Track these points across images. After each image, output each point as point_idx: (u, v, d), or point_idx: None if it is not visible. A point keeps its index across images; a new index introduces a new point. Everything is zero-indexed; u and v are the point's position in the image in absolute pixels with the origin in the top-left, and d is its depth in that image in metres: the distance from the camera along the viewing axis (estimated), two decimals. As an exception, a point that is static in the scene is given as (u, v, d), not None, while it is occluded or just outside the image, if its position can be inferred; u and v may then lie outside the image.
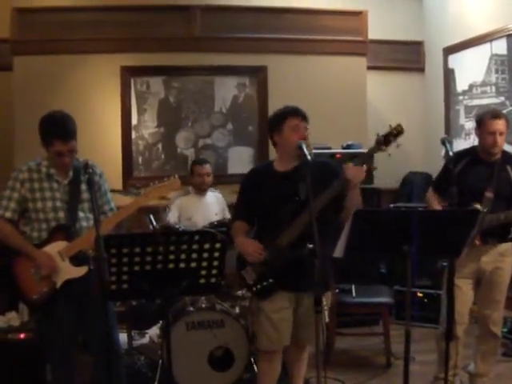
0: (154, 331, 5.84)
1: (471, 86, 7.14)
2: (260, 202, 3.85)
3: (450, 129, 7.50)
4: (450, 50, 7.51)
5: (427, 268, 6.16)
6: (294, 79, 7.25)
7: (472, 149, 4.51)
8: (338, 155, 6.71)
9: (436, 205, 4.44)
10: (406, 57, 8.14)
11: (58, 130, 3.61)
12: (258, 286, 3.83)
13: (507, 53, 6.45)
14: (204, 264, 3.11)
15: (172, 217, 5.73)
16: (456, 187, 3.75)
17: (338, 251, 3.22)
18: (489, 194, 4.16)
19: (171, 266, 3.03)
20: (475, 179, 4.24)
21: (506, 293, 4.41)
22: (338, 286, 5.49)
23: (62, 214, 3.73)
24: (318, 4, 7.45)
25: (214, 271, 3.15)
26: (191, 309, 4.65)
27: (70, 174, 3.79)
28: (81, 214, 3.80)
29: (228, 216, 5.68)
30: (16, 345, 4.66)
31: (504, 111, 6.02)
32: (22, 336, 4.68)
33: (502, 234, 4.28)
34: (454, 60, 7.46)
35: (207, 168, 5.86)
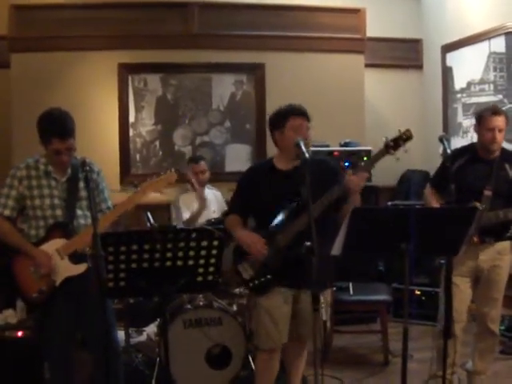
0: (151, 329, 5.85)
1: (469, 84, 7.13)
2: (260, 199, 3.84)
3: (448, 127, 7.50)
4: (448, 48, 7.50)
5: (425, 266, 6.18)
6: (292, 77, 7.24)
7: (471, 146, 4.50)
8: (335, 153, 6.71)
9: (434, 202, 4.43)
10: (404, 54, 8.13)
11: (56, 128, 3.60)
12: (256, 282, 3.82)
13: (505, 51, 6.45)
14: (201, 261, 3.10)
15: (185, 214, 5.73)
16: (454, 185, 3.74)
17: (336, 249, 3.22)
18: (487, 192, 4.16)
19: (169, 263, 3.03)
20: (474, 177, 4.24)
21: (504, 291, 4.41)
22: (335, 284, 5.49)
23: (59, 212, 3.73)
24: (316, 1, 7.45)
25: (212, 269, 3.14)
26: (189, 306, 4.65)
27: (69, 171, 3.78)
28: (79, 212, 3.79)
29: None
30: (13, 343, 4.65)
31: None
32: (20, 334, 4.67)
33: (500, 233, 4.27)
34: (452, 58, 7.46)
35: (202, 165, 5.86)
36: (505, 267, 4.36)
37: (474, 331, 4.54)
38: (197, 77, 7.18)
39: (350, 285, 5.69)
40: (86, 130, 5.94)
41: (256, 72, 7.26)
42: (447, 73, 7.57)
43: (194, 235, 3.05)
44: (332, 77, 7.38)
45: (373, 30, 7.49)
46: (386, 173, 6.84)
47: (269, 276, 3.77)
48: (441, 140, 3.95)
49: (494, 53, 6.63)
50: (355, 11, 7.43)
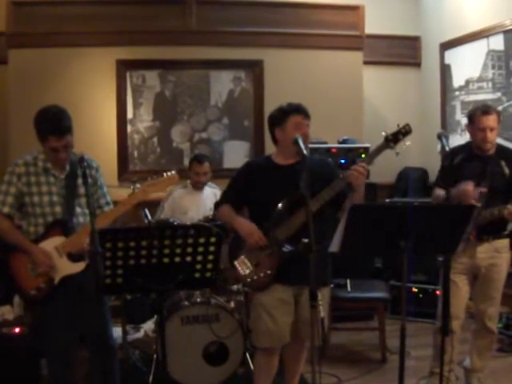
0: (148, 325, 5.84)
1: (468, 82, 7.13)
2: (256, 194, 3.84)
3: (447, 124, 7.50)
4: (447, 46, 7.49)
5: (422, 263, 6.18)
6: (290, 73, 7.23)
7: (467, 144, 4.49)
8: (333, 150, 6.70)
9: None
10: (402, 52, 8.12)
11: (52, 125, 3.57)
12: (254, 277, 3.79)
13: (504, 48, 6.44)
14: (199, 258, 3.10)
15: (167, 211, 5.72)
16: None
17: (334, 246, 3.22)
18: (483, 190, 4.15)
19: (166, 260, 3.03)
20: (470, 175, 4.23)
21: (502, 288, 4.41)
22: (333, 281, 5.49)
23: (58, 209, 3.71)
24: (315, -2, 7.45)
25: (209, 265, 3.14)
26: (186, 303, 4.65)
27: (67, 168, 3.77)
28: (78, 210, 3.78)
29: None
30: (10, 339, 4.65)
31: (500, 107, 6.03)
32: (17, 330, 4.67)
33: (498, 230, 4.28)
34: (451, 55, 7.45)
35: (205, 167, 5.77)
36: (503, 265, 4.35)
37: (471, 329, 4.55)
38: (195, 73, 7.17)
39: (348, 282, 5.69)
40: (83, 127, 5.93)
41: (254, 69, 7.24)
42: (445, 70, 7.57)
43: (191, 232, 3.04)
44: (330, 74, 7.37)
45: (371, 27, 7.48)
46: (383, 170, 6.83)
47: (268, 271, 3.75)
48: (439, 137, 3.95)
49: (493, 50, 6.62)
50: (354, 8, 7.42)
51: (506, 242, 4.35)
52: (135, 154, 7.07)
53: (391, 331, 5.32)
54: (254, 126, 7.26)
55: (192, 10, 7.02)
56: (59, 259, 3.62)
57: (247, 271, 3.82)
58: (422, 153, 7.62)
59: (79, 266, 3.67)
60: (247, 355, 4.75)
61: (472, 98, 7.05)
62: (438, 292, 5.78)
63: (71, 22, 6.75)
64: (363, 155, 6.51)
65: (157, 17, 6.98)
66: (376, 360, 5.37)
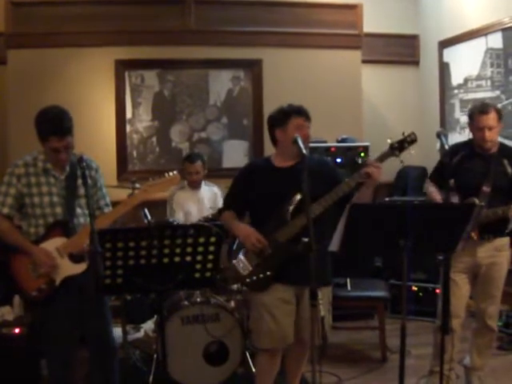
0: (148, 325, 5.84)
1: (466, 80, 7.13)
2: (257, 196, 3.83)
3: (446, 123, 7.50)
4: (446, 44, 7.49)
5: (422, 262, 6.18)
6: (289, 73, 7.23)
7: (469, 142, 4.47)
8: (332, 149, 6.70)
9: (438, 198, 4.40)
10: (401, 50, 8.12)
11: (54, 126, 3.55)
12: (254, 278, 3.79)
13: (502, 46, 6.44)
14: (199, 258, 3.10)
15: (177, 215, 5.73)
16: (453, 180, 3.74)
17: (334, 245, 3.22)
18: (485, 189, 4.15)
19: (166, 260, 3.03)
20: (472, 173, 4.23)
21: (502, 287, 4.41)
22: (333, 280, 5.48)
23: (59, 210, 3.70)
24: (313, -3, 7.44)
25: (209, 265, 3.14)
26: (186, 303, 4.64)
27: (67, 168, 3.75)
28: (78, 211, 3.76)
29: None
30: (10, 339, 4.65)
31: (499, 105, 6.02)
32: (17, 331, 4.66)
33: (499, 229, 4.27)
34: (449, 54, 7.45)
35: (197, 166, 5.76)
36: (503, 264, 4.35)
37: (471, 327, 4.55)
38: (194, 73, 7.16)
39: (348, 281, 5.69)
40: (82, 127, 5.89)
41: (253, 68, 7.24)
42: (444, 69, 7.57)
43: (191, 232, 3.04)
44: (329, 73, 7.36)
45: (370, 25, 7.47)
46: (383, 168, 6.82)
47: (268, 272, 3.75)
48: (438, 135, 3.94)
49: (491, 49, 6.62)
50: (352, 7, 7.40)
51: (506, 240, 4.35)
52: (134, 153, 7.06)
53: (391, 330, 5.32)
54: (253, 125, 7.26)
55: (191, 10, 7.01)
56: (60, 260, 3.61)
57: (246, 271, 3.81)
58: (421, 151, 7.57)
59: (80, 267, 3.65)
60: (247, 355, 4.75)
61: (471, 96, 7.05)
62: (437, 290, 5.79)
63: (70, 22, 6.74)
64: (362, 154, 6.52)
65: (155, 16, 6.97)
66: (376, 359, 5.37)
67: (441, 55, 7.61)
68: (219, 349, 4.60)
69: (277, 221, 3.73)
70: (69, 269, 3.63)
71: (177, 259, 3.04)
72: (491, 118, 4.20)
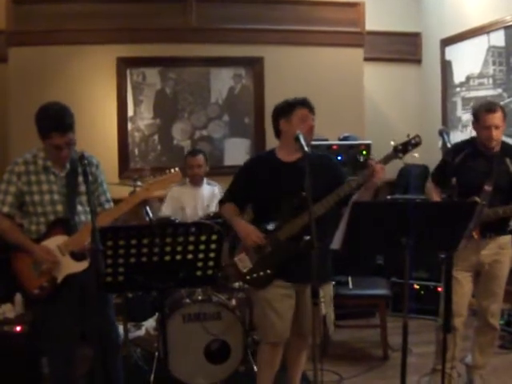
0: (150, 323, 5.85)
1: (468, 78, 7.12)
2: (261, 191, 3.83)
3: (447, 121, 7.48)
4: (448, 42, 7.48)
5: (424, 260, 6.18)
6: (291, 70, 7.22)
7: (471, 140, 4.46)
8: (334, 147, 6.69)
9: (436, 197, 4.41)
10: (403, 48, 8.10)
11: (55, 122, 3.54)
12: (254, 275, 3.81)
13: (504, 44, 6.43)
14: (200, 256, 3.09)
15: (165, 209, 5.71)
16: (455, 179, 3.73)
17: (335, 243, 3.21)
18: (487, 188, 4.14)
19: (167, 258, 3.02)
20: (474, 172, 4.22)
21: (504, 285, 4.41)
22: (334, 278, 5.48)
23: (60, 207, 3.69)
24: (315, -5, 7.43)
25: (211, 263, 3.13)
26: (187, 301, 4.64)
27: (68, 166, 3.74)
28: (79, 208, 3.75)
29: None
30: (11, 337, 4.65)
31: (501, 103, 6.00)
32: (18, 328, 4.66)
33: (501, 227, 4.27)
34: (451, 51, 7.44)
35: (198, 159, 5.77)
36: (506, 262, 4.35)
37: (474, 325, 4.54)
38: (195, 71, 7.16)
39: (350, 279, 5.68)
40: (84, 125, 5.89)
41: (255, 66, 7.23)
42: (446, 67, 7.55)
43: (193, 229, 3.04)
44: (331, 71, 7.35)
45: (372, 23, 7.47)
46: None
47: (268, 271, 3.75)
48: (440, 133, 3.93)
49: (493, 47, 6.61)
50: (354, 5, 7.40)
51: (508, 238, 4.35)
52: (136, 151, 7.06)
53: (393, 328, 5.32)
54: (254, 123, 7.25)
55: (192, 8, 7.01)
56: (62, 258, 3.60)
57: (247, 269, 3.82)
58: (422, 149, 7.56)
59: (82, 265, 3.64)
60: (249, 353, 4.75)
61: (473, 94, 7.04)
62: (439, 289, 5.79)
63: (71, 19, 6.73)
64: (364, 152, 6.50)
65: (157, 14, 6.97)
66: (378, 357, 5.37)
67: (443, 53, 7.60)
68: (220, 347, 4.59)
69: (279, 218, 3.74)
70: (70, 267, 3.62)
71: (178, 257, 3.04)
72: (498, 117, 4.18)
